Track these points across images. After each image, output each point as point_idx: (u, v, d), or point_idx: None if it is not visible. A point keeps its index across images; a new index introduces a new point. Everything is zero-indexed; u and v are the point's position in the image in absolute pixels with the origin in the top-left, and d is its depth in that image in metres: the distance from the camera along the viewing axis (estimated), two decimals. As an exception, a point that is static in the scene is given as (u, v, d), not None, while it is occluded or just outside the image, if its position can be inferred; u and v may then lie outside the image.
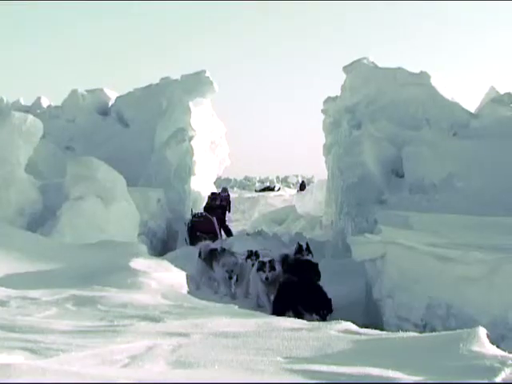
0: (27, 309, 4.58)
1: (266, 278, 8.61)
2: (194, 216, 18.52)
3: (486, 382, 2.55)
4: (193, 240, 17.34)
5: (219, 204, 20.16)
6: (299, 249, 10.07)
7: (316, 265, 9.12)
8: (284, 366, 2.92)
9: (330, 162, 21.05)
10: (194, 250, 15.81)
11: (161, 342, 3.43)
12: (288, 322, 4.36)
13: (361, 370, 2.80)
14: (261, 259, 9.23)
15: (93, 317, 4.37)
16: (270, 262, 8.84)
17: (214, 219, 18.87)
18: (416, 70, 19.09)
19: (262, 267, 8.77)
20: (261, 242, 16.52)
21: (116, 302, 4.91)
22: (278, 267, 8.98)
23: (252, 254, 10.30)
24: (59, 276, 6.25)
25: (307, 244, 10.37)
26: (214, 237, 17.65)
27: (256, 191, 47.44)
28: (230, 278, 9.54)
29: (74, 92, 26.25)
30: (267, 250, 11.01)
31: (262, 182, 66.15)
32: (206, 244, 11.05)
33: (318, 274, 8.88)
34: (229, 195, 25.60)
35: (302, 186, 39.44)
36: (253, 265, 9.53)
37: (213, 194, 21.08)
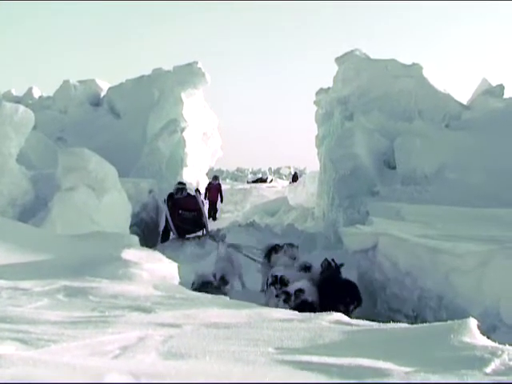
0: (18, 299, 4.55)
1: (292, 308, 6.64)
2: (175, 192, 17.26)
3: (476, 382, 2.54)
4: (175, 219, 16.66)
5: (184, 196, 17.33)
6: (328, 266, 8.34)
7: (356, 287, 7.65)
8: (275, 357, 2.91)
9: (322, 153, 21.08)
10: (182, 242, 15.96)
11: (152, 332, 3.42)
12: (279, 313, 4.36)
13: (352, 360, 2.80)
14: (286, 288, 7.58)
15: (84, 307, 4.36)
16: (296, 291, 7.33)
17: (198, 195, 18.10)
18: (408, 62, 19.16)
19: (287, 300, 7.28)
20: (253, 233, 16.58)
21: (107, 292, 4.89)
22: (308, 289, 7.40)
23: (273, 250, 9.87)
24: (51, 267, 6.22)
25: (335, 262, 8.41)
26: (198, 215, 17.12)
27: (248, 182, 47.58)
28: None
29: (65, 83, 26.23)
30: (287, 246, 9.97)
31: (254, 173, 66.39)
32: (201, 275, 9.09)
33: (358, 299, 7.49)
34: (220, 184, 25.48)
35: (295, 178, 39.54)
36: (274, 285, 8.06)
37: (179, 183, 18.16)
